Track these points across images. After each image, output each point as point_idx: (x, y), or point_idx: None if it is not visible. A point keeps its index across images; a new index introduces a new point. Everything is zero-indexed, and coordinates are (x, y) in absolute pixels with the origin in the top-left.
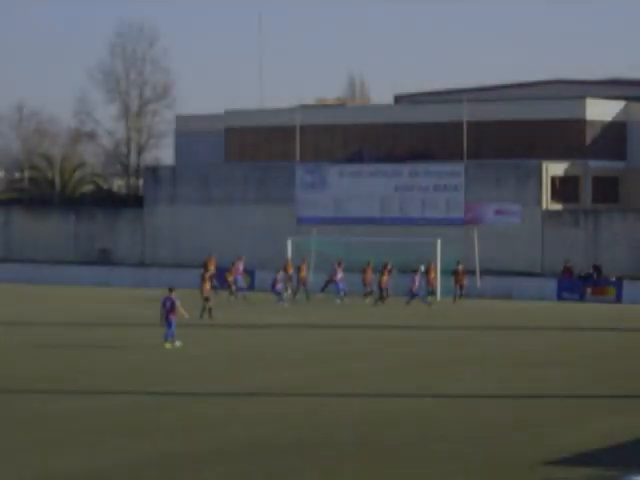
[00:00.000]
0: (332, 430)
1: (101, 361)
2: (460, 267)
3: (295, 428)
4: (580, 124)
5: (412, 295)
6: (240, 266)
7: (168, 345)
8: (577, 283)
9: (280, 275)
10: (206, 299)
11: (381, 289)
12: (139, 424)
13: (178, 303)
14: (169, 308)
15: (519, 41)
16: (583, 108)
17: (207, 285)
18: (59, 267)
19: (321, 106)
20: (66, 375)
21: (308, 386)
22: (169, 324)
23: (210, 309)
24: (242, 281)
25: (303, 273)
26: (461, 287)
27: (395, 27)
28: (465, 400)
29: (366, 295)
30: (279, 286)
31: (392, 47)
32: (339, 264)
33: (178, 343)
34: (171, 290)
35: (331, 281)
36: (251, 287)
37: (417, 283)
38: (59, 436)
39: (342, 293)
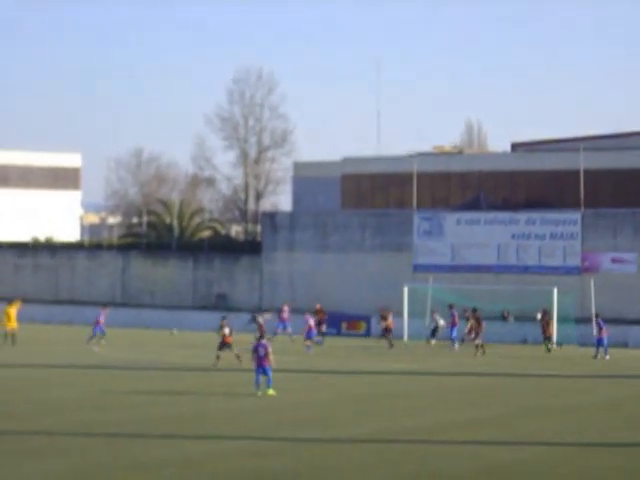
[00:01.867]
0: (441, 478)
1: (219, 406)
2: (546, 315)
3: (405, 477)
4: None
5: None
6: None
7: (272, 392)
8: None
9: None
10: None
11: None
12: (254, 470)
13: (270, 349)
14: (262, 355)
15: (635, 89)
16: None
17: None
18: (177, 312)
19: (438, 154)
20: (186, 420)
21: (423, 433)
22: (264, 371)
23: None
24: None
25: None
26: (549, 336)
27: (513, 74)
28: (574, 448)
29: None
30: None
31: (510, 95)
32: (451, 307)
33: (272, 391)
34: (261, 337)
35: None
36: (367, 334)
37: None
38: None
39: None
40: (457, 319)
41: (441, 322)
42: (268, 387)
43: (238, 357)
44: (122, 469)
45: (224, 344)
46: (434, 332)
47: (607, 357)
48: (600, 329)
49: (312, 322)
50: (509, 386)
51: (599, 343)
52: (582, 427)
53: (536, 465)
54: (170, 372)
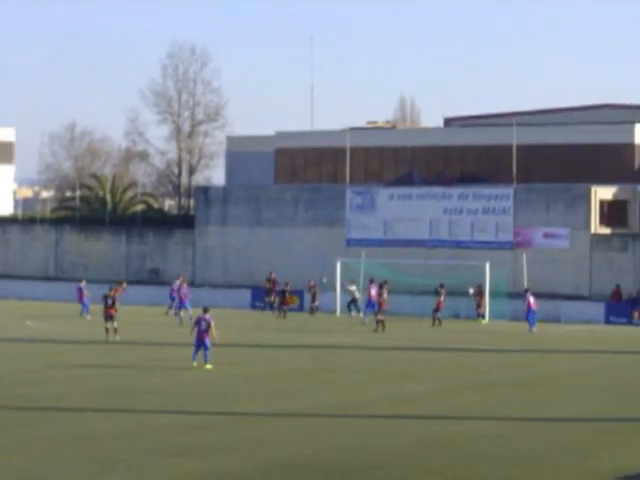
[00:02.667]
0: (374, 453)
1: (156, 380)
2: (477, 289)
3: (336, 450)
4: (629, 148)
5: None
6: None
7: (209, 366)
8: (625, 307)
9: None
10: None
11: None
12: (189, 444)
13: (213, 324)
14: (204, 329)
15: (569, 65)
16: (632, 132)
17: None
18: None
19: (371, 128)
20: (122, 394)
21: (358, 407)
22: (204, 345)
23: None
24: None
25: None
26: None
27: (446, 50)
28: (509, 423)
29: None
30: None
31: (443, 70)
32: (371, 282)
33: (209, 365)
34: (206, 310)
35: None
36: (300, 308)
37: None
38: (113, 455)
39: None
40: (374, 294)
41: (357, 294)
42: (205, 362)
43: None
44: (59, 442)
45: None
46: (350, 304)
47: (534, 330)
48: (529, 303)
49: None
50: (442, 361)
51: (529, 316)
52: (514, 402)
53: (469, 439)
54: (106, 346)
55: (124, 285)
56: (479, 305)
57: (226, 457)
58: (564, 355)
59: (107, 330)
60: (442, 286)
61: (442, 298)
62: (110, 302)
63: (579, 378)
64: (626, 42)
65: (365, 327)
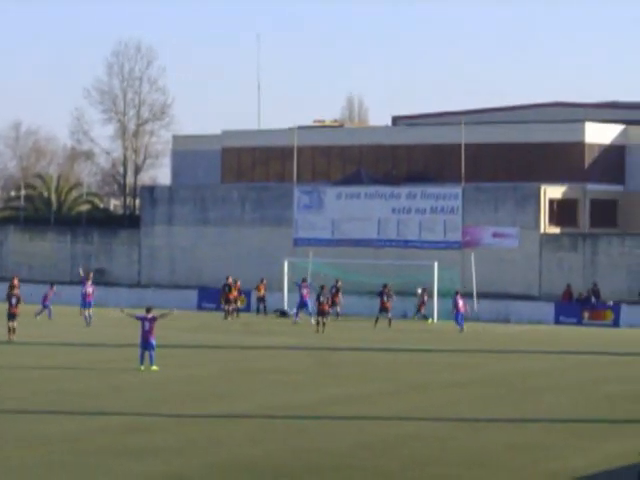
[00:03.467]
0: (326, 454)
1: (101, 381)
2: (420, 290)
3: (287, 451)
4: (579, 147)
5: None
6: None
7: (155, 367)
8: (575, 307)
9: None
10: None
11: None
12: (137, 445)
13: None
14: (148, 329)
15: (518, 63)
16: (582, 131)
17: None
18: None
19: (319, 127)
20: (68, 395)
21: (306, 408)
22: (150, 346)
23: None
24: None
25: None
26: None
27: (393, 49)
28: (463, 424)
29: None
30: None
31: (390, 69)
32: (304, 280)
33: (155, 367)
34: (148, 310)
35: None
36: (247, 308)
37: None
38: (59, 457)
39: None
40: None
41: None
42: (151, 363)
43: None
44: (4, 445)
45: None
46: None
47: (463, 330)
48: (457, 304)
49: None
50: (389, 361)
51: (458, 317)
52: (463, 402)
53: (418, 440)
54: (52, 347)
55: (54, 288)
56: (421, 306)
57: (177, 458)
58: (514, 355)
59: (10, 330)
60: (385, 286)
61: (385, 298)
62: (15, 301)
63: (530, 379)
64: (575, 40)
65: (310, 328)
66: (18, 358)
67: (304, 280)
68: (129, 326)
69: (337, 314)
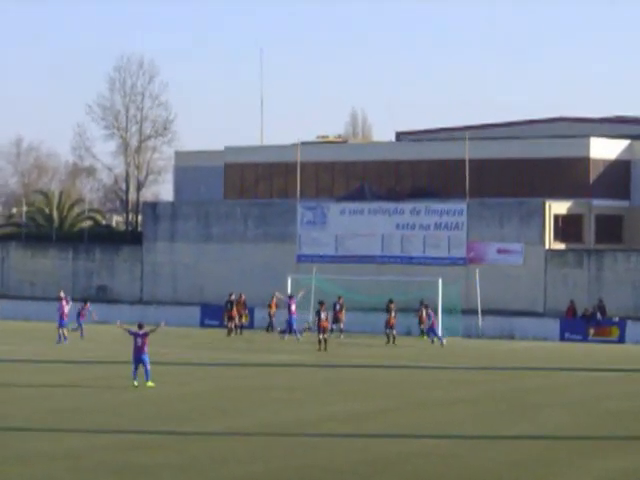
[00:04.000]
0: (329, 472)
1: (99, 399)
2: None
3: (291, 469)
4: (584, 162)
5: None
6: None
7: (151, 383)
8: (580, 323)
9: None
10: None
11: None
12: (136, 463)
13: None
14: (140, 345)
15: (523, 79)
16: (587, 146)
17: None
18: (57, 304)
19: (322, 143)
20: (65, 413)
21: (308, 425)
22: (142, 362)
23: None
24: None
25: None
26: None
27: (397, 65)
28: (466, 441)
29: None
30: None
31: (394, 84)
32: (290, 297)
33: (150, 383)
34: (140, 327)
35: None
36: (251, 325)
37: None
38: (57, 474)
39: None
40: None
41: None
42: (147, 379)
43: None
44: (3, 462)
45: None
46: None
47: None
48: (430, 319)
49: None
50: (392, 378)
51: (431, 332)
52: (466, 419)
53: (422, 458)
54: (48, 365)
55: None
56: (421, 322)
57: (179, 476)
58: (519, 372)
59: None
60: (392, 302)
61: (393, 314)
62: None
63: (533, 395)
64: (580, 55)
65: (313, 346)
66: (14, 375)
67: (291, 297)
68: (126, 343)
69: (340, 331)
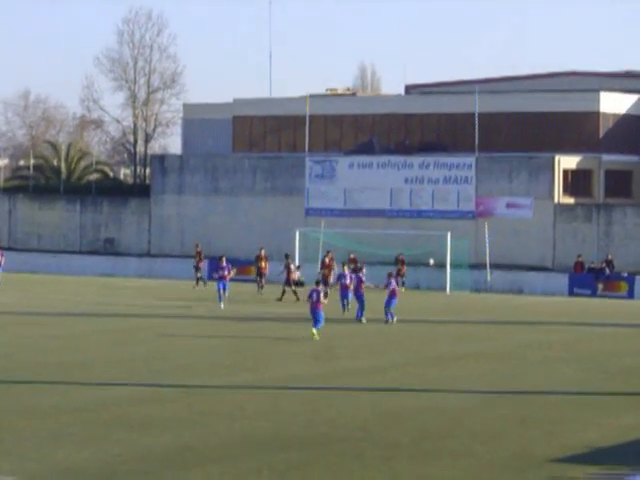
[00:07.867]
0: (337, 426)
1: (108, 352)
2: (401, 257)
3: (298, 424)
4: (594, 117)
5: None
6: None
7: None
8: (589, 278)
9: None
10: None
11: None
12: (145, 417)
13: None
14: (315, 300)
15: (533, 32)
16: (597, 101)
17: None
18: (64, 256)
19: (331, 96)
20: (74, 367)
21: (316, 380)
22: (318, 314)
23: None
24: None
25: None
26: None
27: (406, 17)
28: (474, 396)
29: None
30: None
31: (403, 37)
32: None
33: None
34: (318, 283)
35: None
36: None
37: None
38: (67, 428)
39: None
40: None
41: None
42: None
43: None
44: (13, 415)
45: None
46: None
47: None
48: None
49: None
50: (405, 333)
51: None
52: (476, 375)
53: (431, 413)
54: (59, 317)
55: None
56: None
57: (185, 431)
58: (528, 327)
59: None
60: (400, 254)
61: (401, 265)
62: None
63: (543, 351)
64: (591, 9)
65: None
66: (18, 328)
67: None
68: (135, 296)
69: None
